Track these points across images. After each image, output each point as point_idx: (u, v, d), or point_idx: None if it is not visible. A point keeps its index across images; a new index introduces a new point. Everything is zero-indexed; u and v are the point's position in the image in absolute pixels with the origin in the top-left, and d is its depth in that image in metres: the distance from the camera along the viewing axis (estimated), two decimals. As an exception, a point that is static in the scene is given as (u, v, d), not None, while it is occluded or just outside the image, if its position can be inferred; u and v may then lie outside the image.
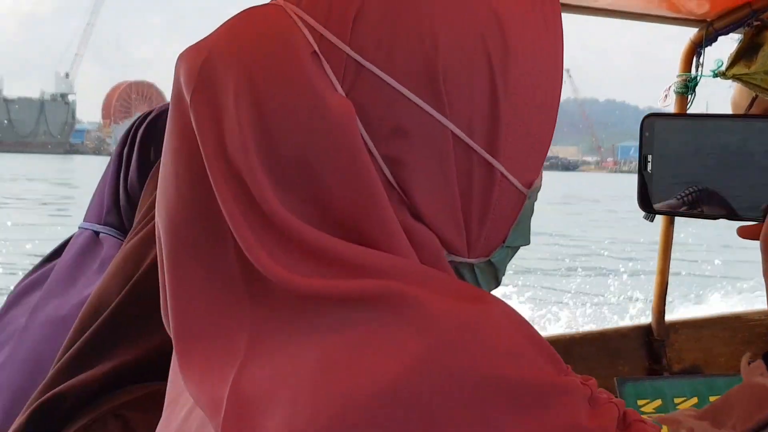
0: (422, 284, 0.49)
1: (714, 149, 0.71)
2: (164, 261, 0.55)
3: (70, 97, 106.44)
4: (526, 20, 0.55)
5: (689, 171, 0.72)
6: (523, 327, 0.50)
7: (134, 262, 0.88)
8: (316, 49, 0.52)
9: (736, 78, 1.92)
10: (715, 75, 1.92)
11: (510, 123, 0.54)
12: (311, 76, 0.52)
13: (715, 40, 1.91)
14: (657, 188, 0.72)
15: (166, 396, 0.60)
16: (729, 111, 2.15)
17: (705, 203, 0.72)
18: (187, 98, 0.54)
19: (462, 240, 0.55)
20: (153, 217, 0.88)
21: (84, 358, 0.86)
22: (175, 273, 0.54)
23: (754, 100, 1.98)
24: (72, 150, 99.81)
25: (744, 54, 1.90)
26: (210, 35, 0.57)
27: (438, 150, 0.53)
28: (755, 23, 1.86)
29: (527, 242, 0.60)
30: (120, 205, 1.22)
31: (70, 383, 0.85)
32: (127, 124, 1.30)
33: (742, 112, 2.06)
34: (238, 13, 0.58)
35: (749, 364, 0.57)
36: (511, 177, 0.56)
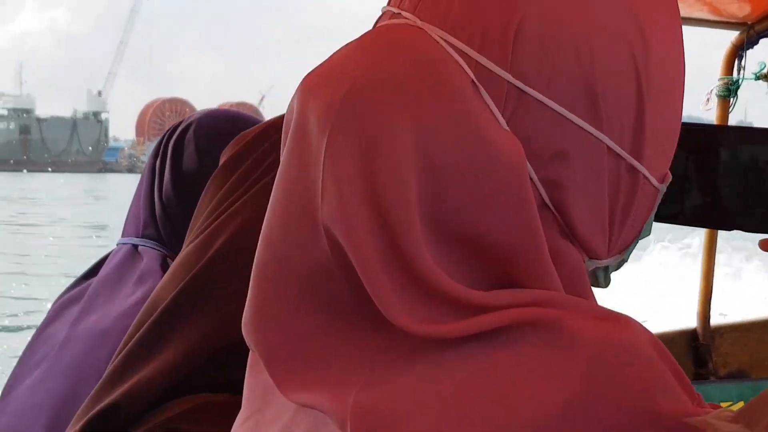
0: (565, 308, 0.48)
1: (722, 159, 0.71)
2: (260, 287, 0.53)
3: (103, 116, 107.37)
4: (657, 16, 0.54)
5: (697, 181, 0.72)
6: (663, 352, 0.49)
7: (189, 264, 0.88)
8: (473, 78, 0.49)
9: (778, 80, 1.91)
10: (758, 78, 1.92)
11: (651, 124, 0.54)
12: (476, 111, 0.48)
13: (757, 42, 1.91)
14: (663, 197, 0.73)
15: (243, 411, 0.59)
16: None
17: (715, 213, 0.72)
18: (320, 134, 0.49)
19: (605, 245, 0.54)
20: (212, 222, 0.89)
21: (137, 355, 0.87)
22: (272, 301, 0.52)
23: (797, 102, 1.98)
24: (106, 168, 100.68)
25: (786, 56, 1.90)
26: (339, 60, 0.52)
27: (595, 166, 0.51)
28: (797, 25, 1.85)
29: (650, 233, 0.59)
30: (156, 216, 1.24)
31: (122, 390, 0.85)
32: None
33: (785, 114, 2.05)
34: (369, 35, 0.53)
35: None
36: (651, 177, 0.55)
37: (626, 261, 0.59)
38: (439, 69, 0.49)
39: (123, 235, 1.27)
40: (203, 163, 1.22)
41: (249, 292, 0.54)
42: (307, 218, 0.50)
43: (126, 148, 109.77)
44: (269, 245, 0.53)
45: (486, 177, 0.48)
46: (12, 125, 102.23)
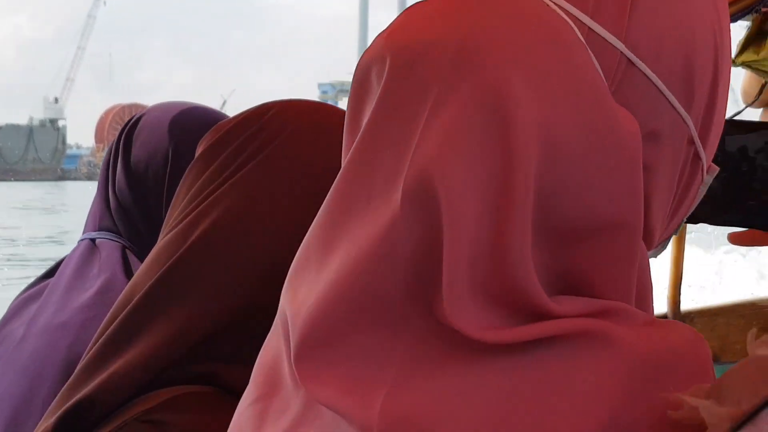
0: (619, 319, 0.46)
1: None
2: (307, 275, 0.49)
3: (60, 123, 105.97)
4: (724, 7, 0.53)
5: None
6: (707, 360, 0.48)
7: (168, 252, 0.86)
8: (586, 45, 0.46)
9: (745, 65, 1.93)
10: (724, 63, 1.94)
11: (717, 113, 0.53)
12: (596, 82, 0.45)
13: (724, 28, 1.93)
14: None
15: (249, 393, 0.55)
16: (735, 99, 2.16)
17: (702, 208, 0.70)
18: (424, 87, 0.45)
19: (659, 235, 0.53)
20: (190, 212, 0.88)
21: (113, 346, 0.85)
22: (330, 290, 0.48)
23: (763, 86, 2.00)
24: (64, 176, 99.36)
25: (752, 41, 1.91)
26: (432, 14, 0.48)
27: (677, 151, 0.50)
28: (763, 9, 1.87)
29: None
30: (112, 210, 1.26)
31: (98, 382, 0.83)
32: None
33: (751, 99, 2.07)
34: None
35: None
36: (705, 168, 0.54)
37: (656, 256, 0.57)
38: (556, 32, 0.45)
39: (83, 232, 1.28)
40: (151, 155, 1.25)
41: (294, 260, 0.51)
42: (382, 181, 0.46)
43: (84, 156, 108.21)
44: (327, 214, 0.49)
45: (603, 153, 0.45)
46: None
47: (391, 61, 0.47)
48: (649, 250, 0.52)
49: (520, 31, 0.45)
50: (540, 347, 0.44)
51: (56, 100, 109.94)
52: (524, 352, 0.44)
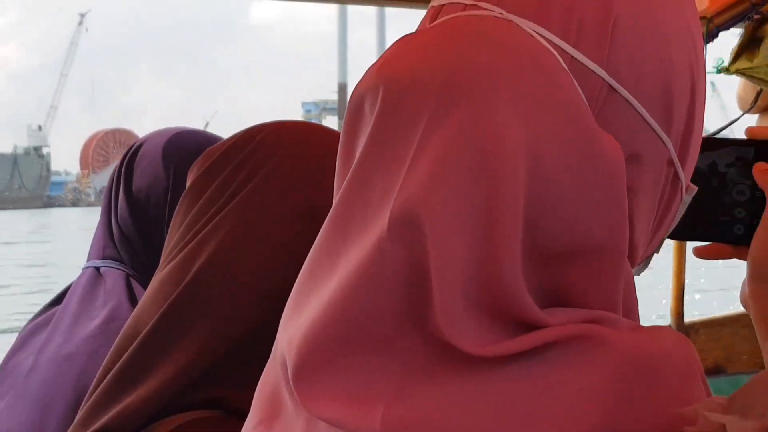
0: (609, 326, 0.47)
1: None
2: (302, 299, 0.50)
3: (45, 150, 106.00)
4: (696, 26, 0.54)
5: None
6: (694, 360, 0.48)
7: (171, 284, 0.85)
8: (570, 73, 0.47)
9: (739, 73, 1.93)
10: (719, 71, 1.93)
11: (694, 133, 0.54)
12: (581, 107, 0.46)
13: (716, 36, 1.92)
14: None
15: (252, 418, 0.55)
16: (734, 107, 2.16)
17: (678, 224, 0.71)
18: (412, 118, 0.46)
19: (642, 254, 0.54)
20: (189, 241, 0.86)
21: (125, 379, 0.84)
22: (325, 309, 0.48)
23: (759, 93, 1.99)
24: (50, 203, 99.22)
25: (746, 48, 1.91)
26: (421, 46, 0.49)
27: (658, 173, 0.51)
28: (755, 17, 1.87)
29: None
30: (115, 238, 1.25)
31: (111, 416, 0.82)
32: (105, 172, 1.40)
33: (747, 106, 2.07)
34: (446, 25, 0.50)
35: None
36: (685, 187, 0.55)
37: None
38: (540, 61, 0.46)
39: (87, 260, 1.27)
40: (151, 184, 1.24)
41: (294, 287, 0.51)
42: (374, 210, 0.46)
43: (69, 183, 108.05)
44: (323, 243, 0.50)
45: (589, 177, 0.46)
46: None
47: (384, 92, 0.48)
48: (632, 267, 0.53)
49: (506, 61, 0.46)
50: (535, 355, 0.45)
51: (40, 128, 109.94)
52: (520, 360, 0.45)
